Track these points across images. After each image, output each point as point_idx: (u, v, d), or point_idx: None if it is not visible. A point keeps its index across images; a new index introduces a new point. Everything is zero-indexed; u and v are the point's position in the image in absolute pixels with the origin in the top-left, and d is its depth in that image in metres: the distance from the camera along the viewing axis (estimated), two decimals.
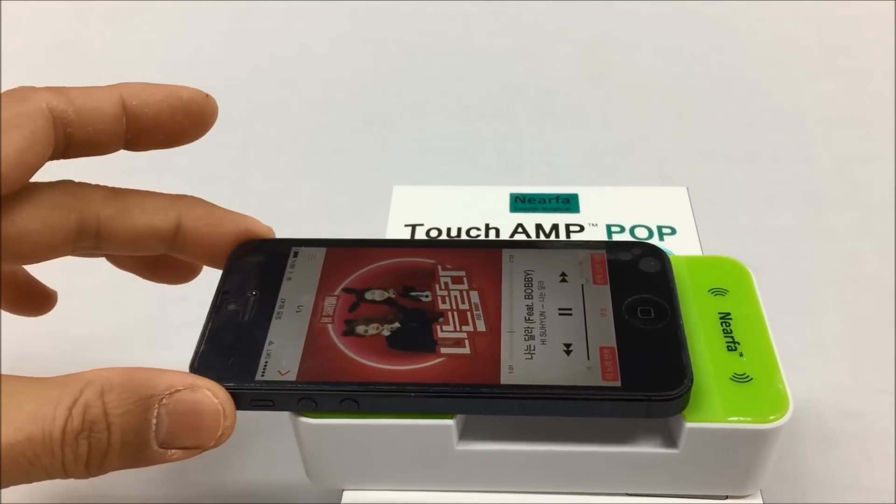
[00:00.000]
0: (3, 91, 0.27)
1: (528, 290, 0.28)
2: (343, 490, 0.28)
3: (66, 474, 0.23)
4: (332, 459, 0.27)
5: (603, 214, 0.37)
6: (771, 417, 0.25)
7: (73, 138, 0.27)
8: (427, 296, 0.28)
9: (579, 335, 0.26)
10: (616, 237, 0.35)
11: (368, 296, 0.28)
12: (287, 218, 0.47)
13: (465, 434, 0.27)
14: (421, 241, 0.34)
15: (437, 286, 0.28)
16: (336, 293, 0.28)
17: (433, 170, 0.50)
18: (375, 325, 0.27)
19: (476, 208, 0.38)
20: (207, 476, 0.36)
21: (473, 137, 0.52)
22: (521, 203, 0.38)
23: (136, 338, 0.43)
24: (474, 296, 0.28)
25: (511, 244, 0.30)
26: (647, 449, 0.26)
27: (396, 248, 0.30)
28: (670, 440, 0.26)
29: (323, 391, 0.26)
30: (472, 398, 0.25)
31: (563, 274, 0.28)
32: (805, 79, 0.55)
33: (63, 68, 0.60)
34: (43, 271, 0.44)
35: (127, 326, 0.43)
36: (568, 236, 0.35)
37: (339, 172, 0.51)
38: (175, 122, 0.28)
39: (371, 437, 0.26)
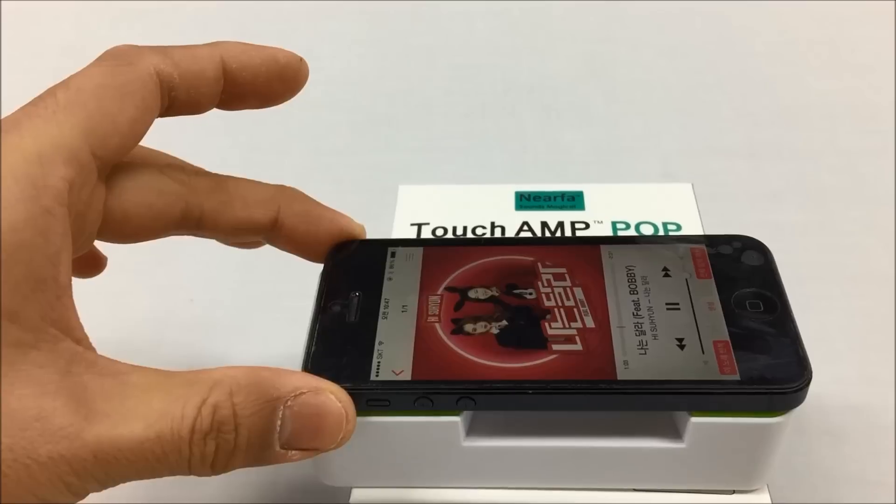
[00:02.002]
0: (106, 51, 0.26)
1: (632, 286, 0.28)
2: (352, 488, 0.28)
3: (190, 471, 0.23)
4: (341, 458, 0.27)
5: (608, 211, 0.37)
6: (778, 411, 0.25)
7: (175, 101, 0.26)
8: (531, 293, 0.28)
9: (691, 329, 0.27)
10: (622, 234, 0.35)
11: (472, 294, 0.28)
12: None
13: (472, 431, 0.27)
14: (517, 239, 0.34)
15: (539, 283, 0.28)
16: (439, 292, 0.28)
17: (439, 169, 0.50)
18: (483, 323, 0.27)
19: (481, 207, 0.38)
20: (215, 476, 0.36)
21: (478, 136, 0.52)
22: (526, 201, 0.38)
23: (143, 340, 0.43)
24: (578, 292, 0.28)
25: (608, 240, 0.30)
26: (653, 444, 0.26)
27: (492, 246, 0.30)
28: (676, 434, 0.26)
29: (440, 390, 0.26)
30: (590, 394, 0.25)
31: (666, 269, 0.29)
32: (809, 74, 0.55)
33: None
34: None
35: (134, 328, 0.43)
36: (573, 234, 0.35)
37: (345, 173, 0.51)
38: (270, 84, 0.28)
39: (379, 435, 0.27)
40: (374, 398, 0.26)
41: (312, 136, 0.53)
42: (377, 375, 0.26)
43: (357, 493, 0.28)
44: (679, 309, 0.27)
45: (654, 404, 0.26)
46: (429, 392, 0.26)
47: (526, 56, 0.58)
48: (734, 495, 0.27)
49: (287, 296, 0.42)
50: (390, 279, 0.29)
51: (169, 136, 0.53)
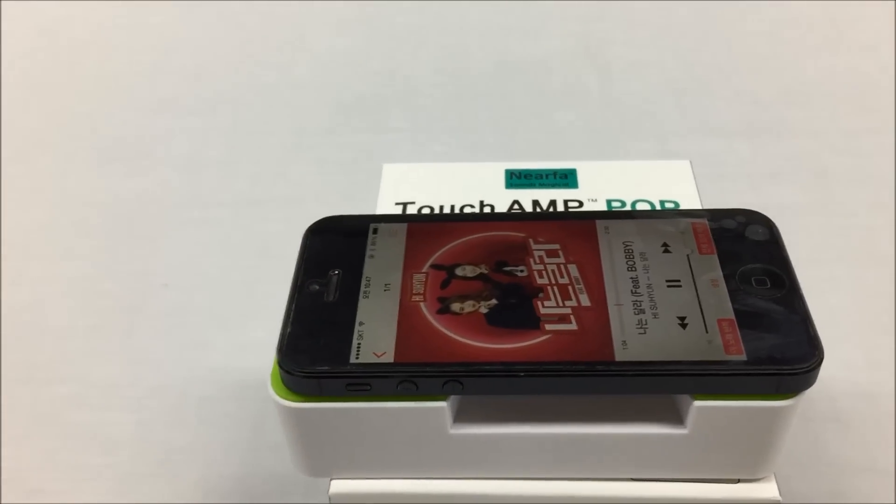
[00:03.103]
0: None
1: (629, 262, 0.26)
2: (331, 479, 0.27)
3: None
4: (319, 447, 0.26)
5: (603, 189, 0.35)
6: (786, 394, 0.23)
7: None
8: (522, 270, 0.26)
9: (693, 307, 0.25)
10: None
11: (459, 272, 0.26)
12: (277, 199, 0.46)
13: (460, 417, 0.25)
14: (507, 215, 0.32)
15: (531, 260, 0.27)
16: (424, 270, 0.27)
17: (427, 149, 0.49)
18: (471, 302, 0.25)
19: (470, 185, 0.36)
20: (188, 471, 0.35)
21: (468, 117, 0.51)
22: (516, 179, 0.36)
23: (117, 327, 0.41)
24: (573, 269, 0.26)
25: (604, 215, 0.28)
26: (653, 429, 0.25)
27: (481, 221, 0.28)
28: (678, 420, 0.25)
29: (425, 373, 0.24)
30: (586, 377, 0.24)
31: (666, 244, 0.27)
32: (809, 53, 0.53)
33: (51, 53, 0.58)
34: (22, 260, 0.43)
35: (108, 315, 0.41)
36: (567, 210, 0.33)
37: (328, 153, 0.49)
38: None
39: (360, 422, 0.25)
40: (353, 382, 0.24)
41: (296, 117, 0.52)
42: (357, 358, 0.24)
43: (336, 485, 0.26)
44: (680, 286, 0.26)
45: (655, 387, 0.24)
46: (413, 375, 0.24)
47: (517, 36, 0.57)
48: (739, 484, 0.26)
49: (266, 280, 0.41)
50: (372, 256, 0.27)
51: (153, 119, 0.52)
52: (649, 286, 0.26)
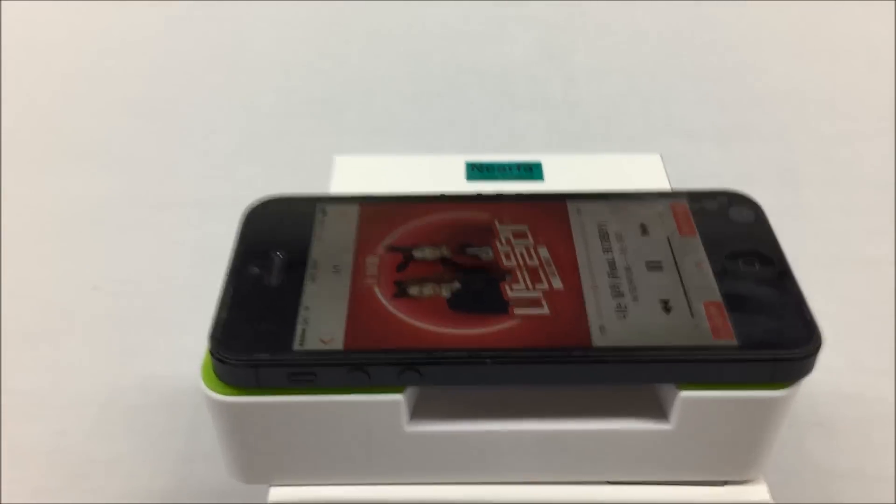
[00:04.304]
0: None
1: (605, 245, 0.24)
2: (270, 487, 0.24)
3: None
4: (257, 448, 0.23)
5: (570, 182, 0.33)
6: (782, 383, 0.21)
7: None
8: (487, 252, 0.24)
9: (676, 290, 0.23)
10: None
11: (418, 254, 0.24)
12: (221, 199, 0.43)
13: (418, 413, 0.23)
14: (470, 196, 0.28)
15: (497, 242, 0.24)
16: (378, 252, 0.24)
17: (383, 150, 0.46)
18: (431, 285, 0.23)
19: (428, 178, 0.33)
20: (108, 485, 0.31)
21: (428, 119, 0.48)
22: (478, 172, 0.34)
23: (44, 331, 0.38)
24: (543, 251, 0.24)
25: (576, 196, 0.26)
26: (634, 425, 0.22)
27: (442, 203, 0.26)
28: (660, 413, 0.22)
29: (378, 360, 0.21)
30: (560, 364, 0.21)
31: (643, 226, 0.25)
32: (779, 59, 0.52)
33: None
34: None
35: (35, 318, 0.38)
36: None
37: (278, 154, 0.46)
38: None
39: (304, 419, 0.22)
40: (296, 372, 0.21)
41: (244, 117, 0.49)
42: (301, 345, 0.21)
43: (276, 493, 0.23)
44: (662, 269, 0.23)
45: (636, 376, 0.21)
46: (364, 363, 0.21)
47: (479, 40, 0.55)
48: (726, 487, 0.23)
49: (205, 284, 0.37)
50: (320, 238, 0.24)
51: (93, 120, 0.49)
52: (627, 269, 0.23)
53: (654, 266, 0.23)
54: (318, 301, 0.22)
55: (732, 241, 0.24)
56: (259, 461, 0.23)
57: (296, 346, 0.21)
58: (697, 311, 0.22)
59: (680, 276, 0.23)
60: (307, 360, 0.21)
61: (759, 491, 0.23)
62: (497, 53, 0.54)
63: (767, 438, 0.22)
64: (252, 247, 0.24)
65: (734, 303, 0.22)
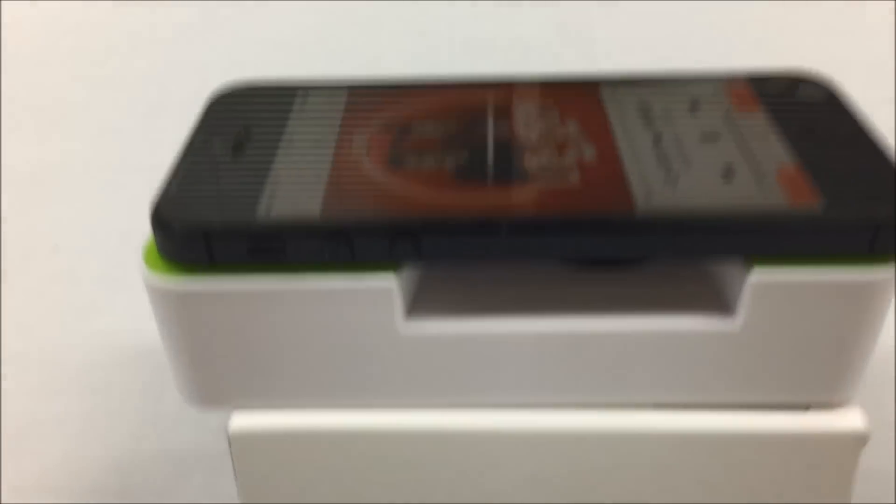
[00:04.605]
0: None
1: (647, 120, 0.19)
2: (232, 411, 0.19)
3: None
4: (211, 353, 0.18)
5: None
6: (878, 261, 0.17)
7: None
8: (504, 128, 0.19)
9: (739, 157, 0.18)
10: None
11: (418, 130, 0.19)
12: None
13: (417, 308, 0.18)
14: (485, 81, 0.22)
15: (514, 119, 0.20)
16: (370, 128, 0.19)
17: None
18: (433, 155, 0.18)
19: None
20: (51, 448, 0.26)
21: None
22: None
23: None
24: (573, 126, 0.19)
25: (611, 80, 0.21)
26: (690, 323, 0.17)
27: (451, 87, 0.21)
28: (724, 307, 0.17)
29: (365, 227, 0.16)
30: (597, 233, 0.16)
31: (694, 102, 0.20)
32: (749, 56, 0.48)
33: None
34: None
35: None
36: None
37: None
38: None
39: (267, 311, 0.17)
40: (261, 242, 0.17)
41: (206, 82, 0.45)
42: (267, 211, 0.17)
43: (239, 420, 0.18)
44: (719, 139, 0.19)
45: (693, 247, 0.17)
46: (346, 230, 0.16)
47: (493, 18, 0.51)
48: (809, 413, 0.18)
49: None
50: (300, 118, 0.20)
51: (57, 88, 0.46)
52: (677, 140, 0.19)
53: (709, 137, 0.19)
54: (293, 169, 0.18)
55: (805, 115, 0.19)
56: (215, 375, 0.18)
57: (260, 212, 0.17)
58: (768, 175, 0.17)
59: (743, 145, 0.18)
60: (273, 228, 0.16)
61: (852, 417, 0.18)
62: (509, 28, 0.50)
63: (863, 344, 0.17)
64: (215, 124, 0.20)
65: (814, 166, 0.17)
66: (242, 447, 0.18)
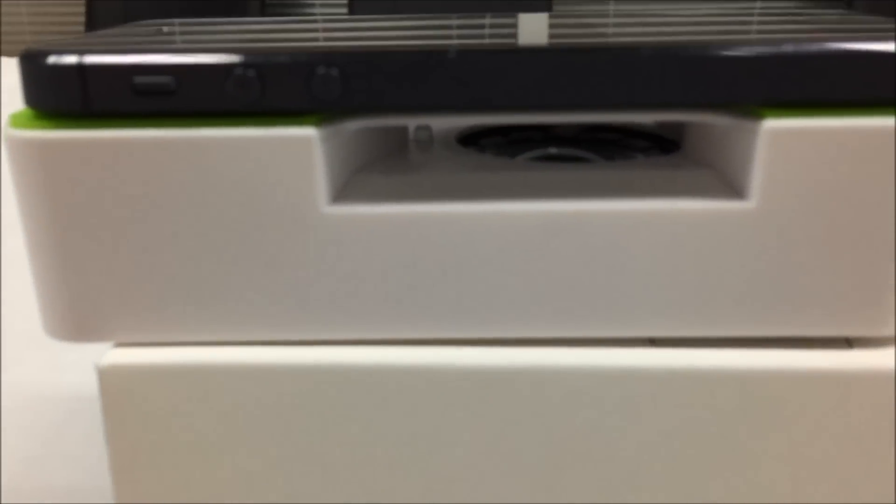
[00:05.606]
0: None
1: None
2: (112, 347, 0.15)
3: None
4: (79, 234, 0.14)
5: None
6: None
7: None
8: None
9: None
10: None
11: None
12: None
13: (346, 191, 0.14)
14: None
15: None
16: None
17: None
18: None
19: None
20: None
21: None
22: None
23: None
24: None
25: None
26: (688, 205, 0.14)
27: None
28: (733, 193, 0.14)
29: (277, 57, 0.13)
30: (566, 56, 0.13)
31: None
32: None
33: None
34: None
35: None
36: None
37: None
38: None
39: (157, 178, 0.13)
40: (146, 79, 0.13)
41: None
42: (157, 42, 0.14)
43: (114, 356, 0.14)
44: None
45: (689, 91, 0.13)
46: (254, 56, 0.13)
47: None
48: (853, 351, 0.14)
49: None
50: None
51: None
52: None
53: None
54: (199, 34, 0.15)
55: None
56: (83, 271, 0.14)
57: (148, 50, 0.13)
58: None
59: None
60: (164, 59, 0.13)
61: (887, 354, 0.14)
62: None
63: None
64: None
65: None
66: (111, 382, 0.14)
